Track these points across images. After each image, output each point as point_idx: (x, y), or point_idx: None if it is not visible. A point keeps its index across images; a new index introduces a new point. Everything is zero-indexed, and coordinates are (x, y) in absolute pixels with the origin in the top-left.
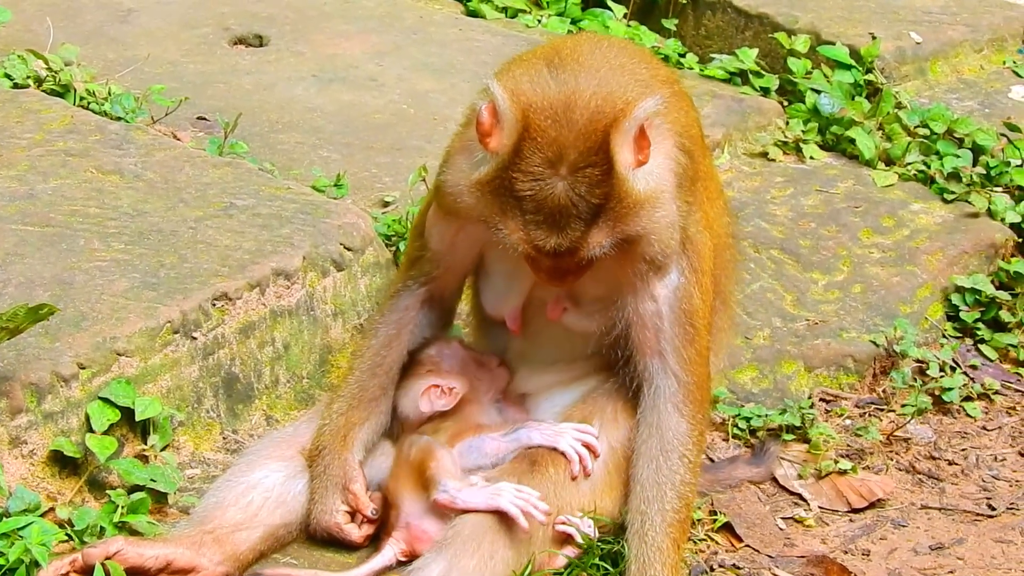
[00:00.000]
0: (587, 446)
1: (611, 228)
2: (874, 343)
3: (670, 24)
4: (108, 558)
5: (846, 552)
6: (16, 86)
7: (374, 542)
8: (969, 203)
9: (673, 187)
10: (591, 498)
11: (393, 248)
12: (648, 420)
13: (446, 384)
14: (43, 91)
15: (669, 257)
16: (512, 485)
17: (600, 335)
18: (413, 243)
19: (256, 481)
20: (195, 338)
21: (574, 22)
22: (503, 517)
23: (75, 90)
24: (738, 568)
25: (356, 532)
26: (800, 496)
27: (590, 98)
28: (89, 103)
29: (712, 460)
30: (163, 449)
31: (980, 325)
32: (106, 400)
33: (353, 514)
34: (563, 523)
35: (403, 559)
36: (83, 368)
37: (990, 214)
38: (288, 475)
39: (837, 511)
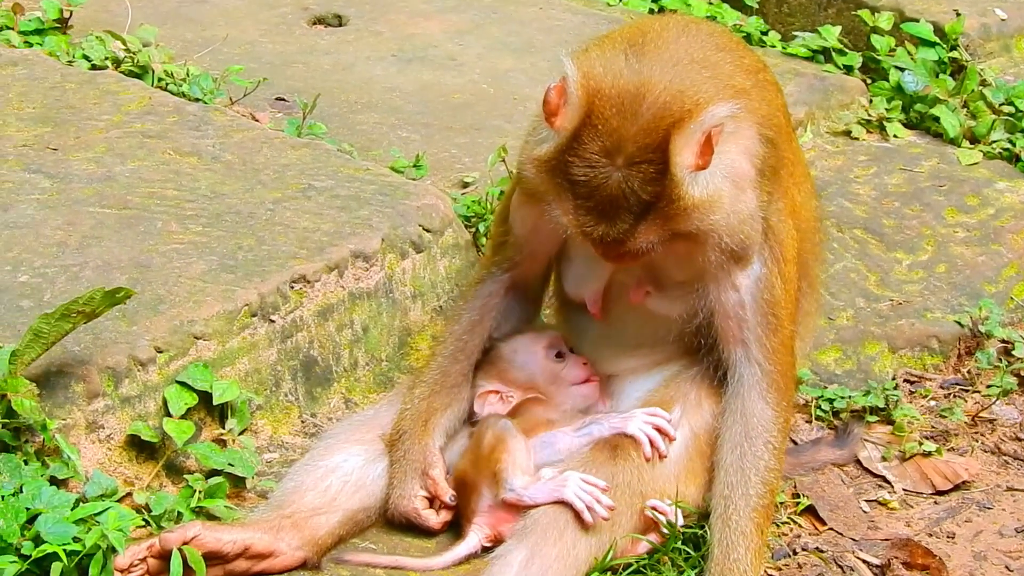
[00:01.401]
0: (658, 429)
1: (660, 226)
2: (959, 323)
3: (752, 2)
4: (185, 543)
5: (931, 535)
6: (94, 67)
7: (452, 528)
8: None
9: (754, 178)
10: (674, 483)
11: (472, 229)
12: (732, 407)
13: (506, 392)
14: (121, 72)
15: (750, 248)
16: (578, 475)
17: (683, 321)
18: (497, 228)
19: (335, 465)
20: (273, 321)
21: (655, 0)
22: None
23: (153, 71)
24: (821, 551)
25: (434, 518)
26: (884, 478)
27: (660, 92)
28: (167, 84)
29: (795, 443)
30: (241, 433)
31: None
32: (183, 384)
33: (432, 500)
34: (652, 508)
35: (488, 544)
36: (160, 352)
37: None
38: (367, 459)
39: (922, 493)
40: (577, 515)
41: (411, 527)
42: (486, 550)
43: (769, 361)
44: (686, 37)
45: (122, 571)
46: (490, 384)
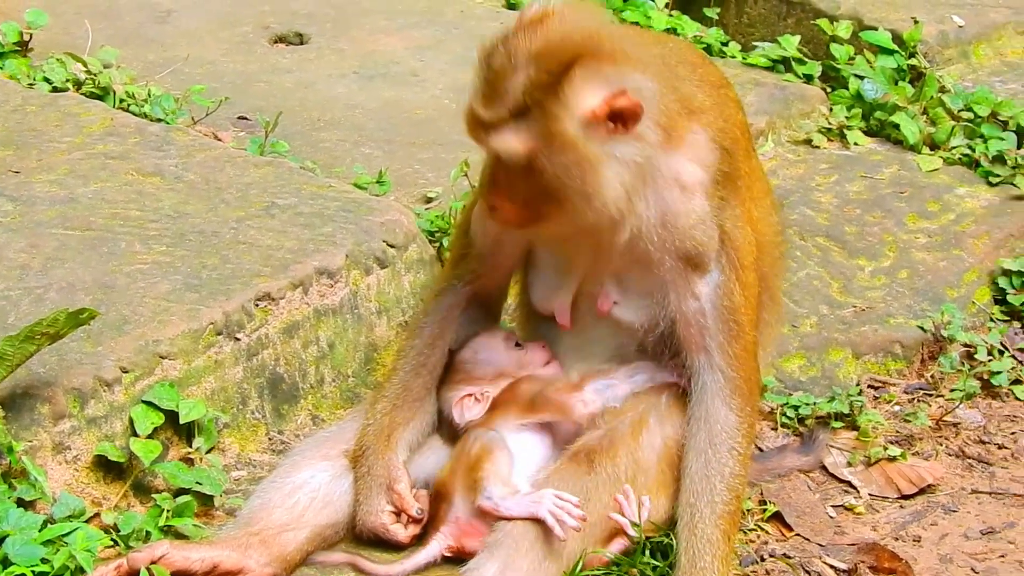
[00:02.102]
0: (567, 511)
1: (528, 142)
2: (921, 328)
3: (712, 13)
4: (154, 562)
5: (897, 539)
6: (55, 90)
7: (421, 541)
8: (1015, 186)
9: (706, 184)
10: (646, 494)
11: (437, 244)
12: (697, 414)
13: (479, 391)
14: (82, 94)
15: (705, 254)
16: (553, 493)
17: (647, 331)
18: (458, 241)
19: (302, 481)
20: (239, 339)
21: (615, 12)
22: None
23: (114, 92)
24: (788, 557)
25: (402, 532)
26: (850, 484)
27: (603, 40)
28: (129, 105)
29: (761, 450)
30: (208, 451)
31: None
32: (149, 403)
33: (399, 514)
34: (619, 508)
35: (448, 554)
36: (126, 372)
37: None
38: (334, 475)
39: (887, 498)
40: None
41: (380, 542)
42: (446, 560)
43: (732, 367)
44: (659, 47)
45: None
46: (462, 389)
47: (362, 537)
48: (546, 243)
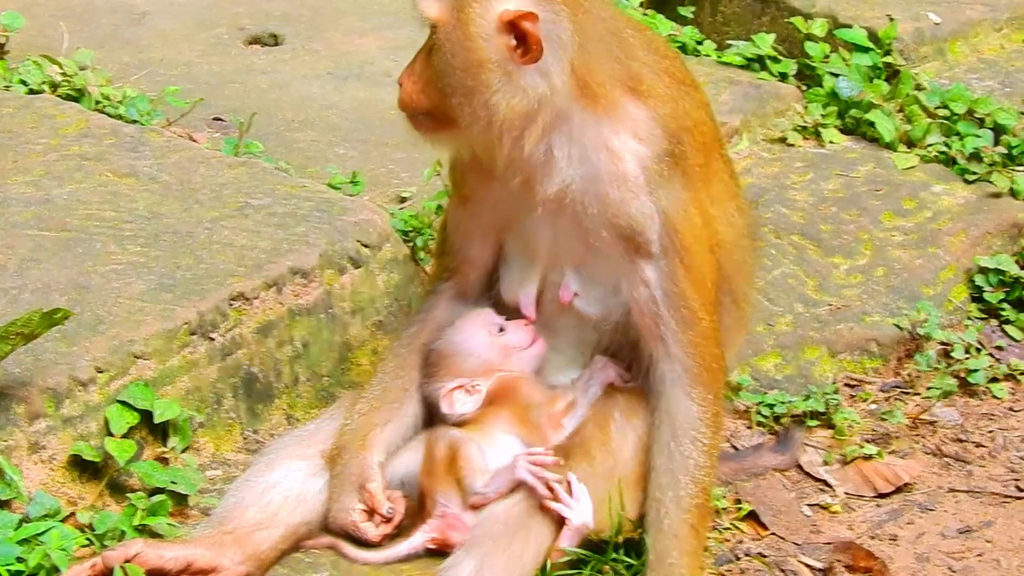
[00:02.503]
0: (540, 464)
1: (441, 12)
2: (898, 326)
3: (686, 12)
4: (128, 561)
5: (873, 537)
6: (31, 92)
7: (401, 535)
8: (991, 183)
9: (643, 158)
10: (617, 491)
11: (411, 244)
12: (659, 407)
13: (469, 383)
14: (58, 96)
15: (643, 234)
16: (523, 454)
17: (608, 322)
18: (438, 240)
19: (276, 480)
20: (213, 339)
21: None
22: (529, 509)
23: (90, 94)
24: (764, 556)
25: (372, 531)
26: (825, 482)
27: None
28: (104, 107)
29: (736, 448)
30: (183, 451)
31: (1005, 306)
32: (124, 403)
33: (371, 513)
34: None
35: (431, 547)
36: (101, 372)
37: (1012, 194)
38: (308, 473)
39: (863, 496)
40: (526, 522)
41: (352, 540)
42: (429, 552)
43: (688, 356)
44: (617, 23)
45: None
46: (449, 382)
47: (332, 535)
48: (514, 234)
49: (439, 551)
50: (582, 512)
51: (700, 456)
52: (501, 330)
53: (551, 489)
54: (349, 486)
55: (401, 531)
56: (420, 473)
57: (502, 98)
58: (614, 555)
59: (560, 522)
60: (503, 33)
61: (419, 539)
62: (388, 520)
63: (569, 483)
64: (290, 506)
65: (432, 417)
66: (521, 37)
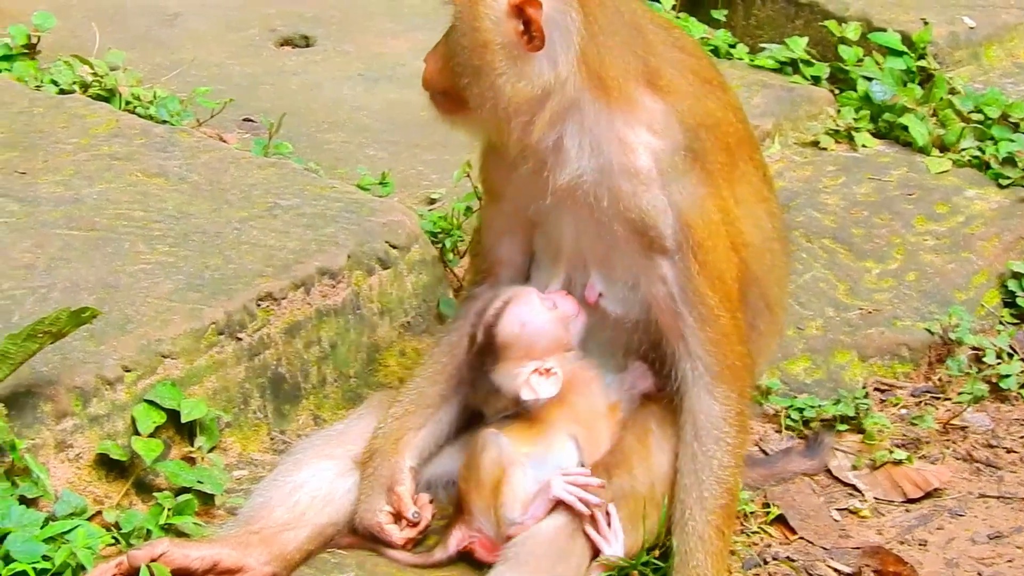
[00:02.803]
0: (581, 485)
1: (448, 58)
2: (929, 331)
3: (719, 15)
4: (154, 560)
5: (902, 543)
6: (62, 92)
7: (419, 544)
8: None
9: (657, 151)
10: (655, 506)
11: (439, 245)
12: (683, 408)
13: (542, 365)
14: (88, 96)
15: (656, 227)
16: (559, 475)
17: (632, 321)
18: (473, 244)
19: (303, 480)
20: (240, 339)
21: None
22: (573, 532)
23: (120, 94)
24: (792, 560)
25: (397, 534)
26: (855, 487)
27: None
28: (135, 107)
29: (765, 453)
30: (210, 451)
31: None
32: (151, 403)
33: (397, 517)
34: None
35: (460, 549)
36: (128, 371)
37: None
38: (336, 473)
39: (893, 502)
40: (562, 540)
41: (377, 542)
42: (460, 556)
43: (709, 353)
44: (643, 19)
45: None
46: (524, 366)
47: (359, 535)
48: (541, 231)
49: (470, 556)
50: (617, 546)
51: (724, 456)
52: (554, 305)
53: (592, 516)
54: (378, 488)
55: (429, 534)
56: (460, 479)
57: (506, 81)
58: (644, 557)
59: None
60: (512, 17)
61: (453, 544)
62: (414, 525)
63: (609, 514)
64: (318, 506)
65: (472, 419)
66: (527, 23)
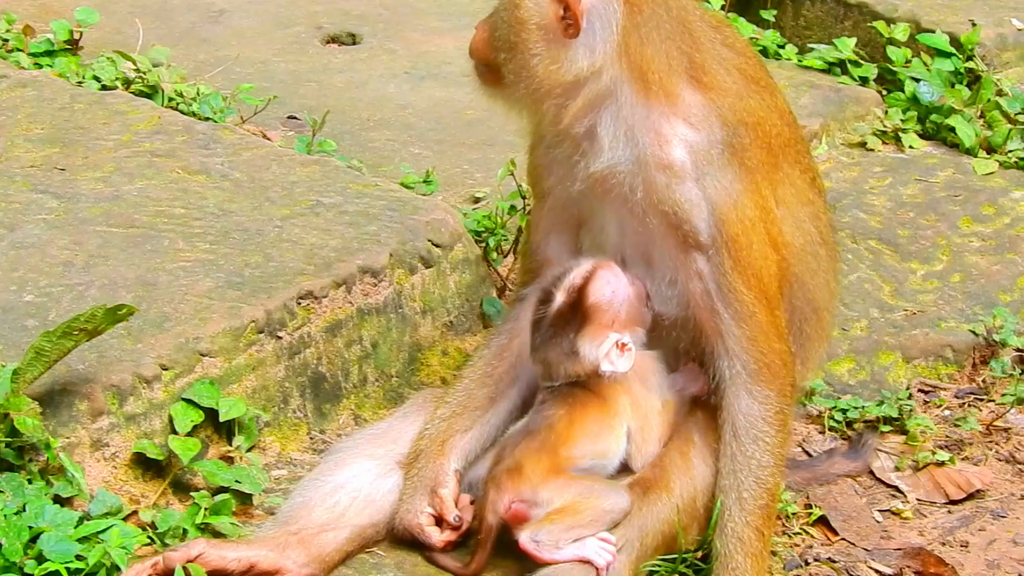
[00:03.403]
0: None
1: (492, 30)
2: (973, 332)
3: (768, 15)
4: (190, 561)
5: (944, 544)
6: (104, 88)
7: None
8: None
9: (696, 146)
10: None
11: (483, 244)
12: (723, 406)
13: (620, 339)
14: (131, 92)
15: (690, 222)
16: (596, 542)
17: (672, 318)
18: (524, 246)
19: (344, 481)
20: (280, 337)
21: None
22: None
23: (163, 91)
24: (834, 562)
25: (437, 535)
26: (897, 488)
27: None
28: (177, 104)
29: (809, 454)
30: (249, 450)
31: None
32: (189, 401)
33: (439, 519)
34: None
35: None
36: (165, 369)
37: None
38: (378, 474)
39: (935, 503)
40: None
41: (416, 543)
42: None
43: (746, 352)
44: (706, 25)
45: None
46: (608, 336)
47: (399, 536)
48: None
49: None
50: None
51: (763, 456)
52: (633, 280)
53: None
54: (421, 489)
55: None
56: (529, 437)
57: (539, 63)
58: (684, 558)
59: None
60: (554, 1)
61: (502, 507)
62: (455, 528)
63: None
64: (358, 507)
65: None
66: (567, 8)
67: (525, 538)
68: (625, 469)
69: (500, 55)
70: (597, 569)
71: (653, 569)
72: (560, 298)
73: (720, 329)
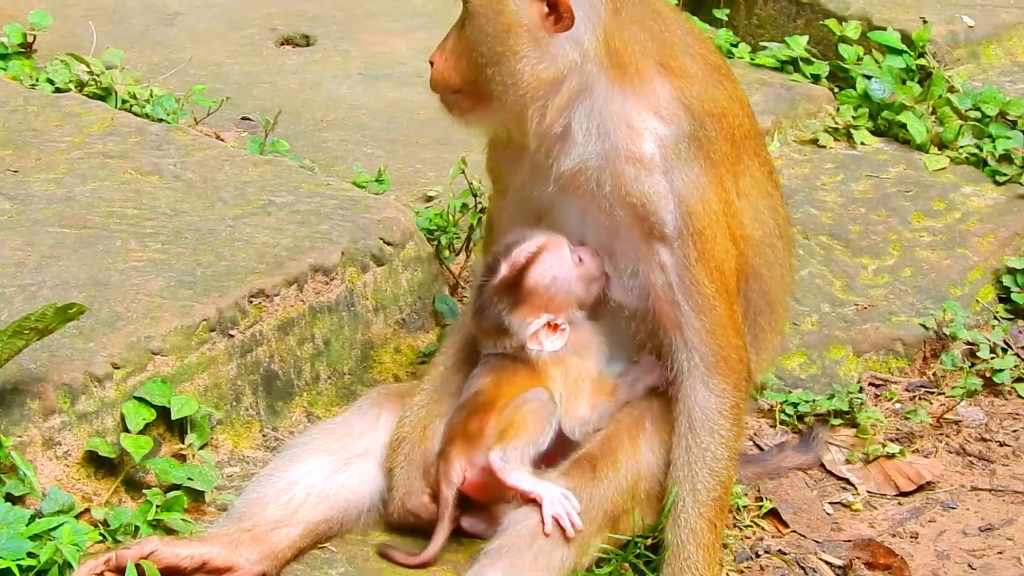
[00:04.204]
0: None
1: (464, 51)
2: (924, 326)
3: (721, 14)
4: (143, 558)
5: (894, 535)
6: (58, 90)
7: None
8: (1021, 184)
9: (662, 137)
10: (640, 499)
11: (435, 242)
12: (678, 398)
13: (553, 319)
14: (84, 95)
15: (656, 214)
16: (561, 491)
17: (632, 309)
18: (483, 233)
19: (298, 477)
20: (232, 336)
21: None
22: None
23: (116, 93)
24: (784, 553)
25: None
26: (847, 481)
27: None
28: (131, 106)
29: (760, 448)
30: (201, 448)
31: None
32: (141, 399)
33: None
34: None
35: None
36: (117, 368)
37: None
38: (332, 469)
39: (885, 495)
40: (549, 533)
41: (413, 529)
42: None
43: (705, 344)
44: (671, 11)
45: None
46: (539, 317)
47: (397, 523)
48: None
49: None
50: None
51: (717, 448)
52: (580, 260)
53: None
54: (415, 471)
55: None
56: (482, 398)
57: (527, 64)
58: (636, 550)
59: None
60: (536, 1)
61: (456, 475)
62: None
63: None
64: (312, 503)
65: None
66: (552, 5)
67: (495, 456)
68: (563, 443)
69: (485, 72)
70: (543, 519)
71: (603, 557)
72: (503, 271)
73: (680, 321)
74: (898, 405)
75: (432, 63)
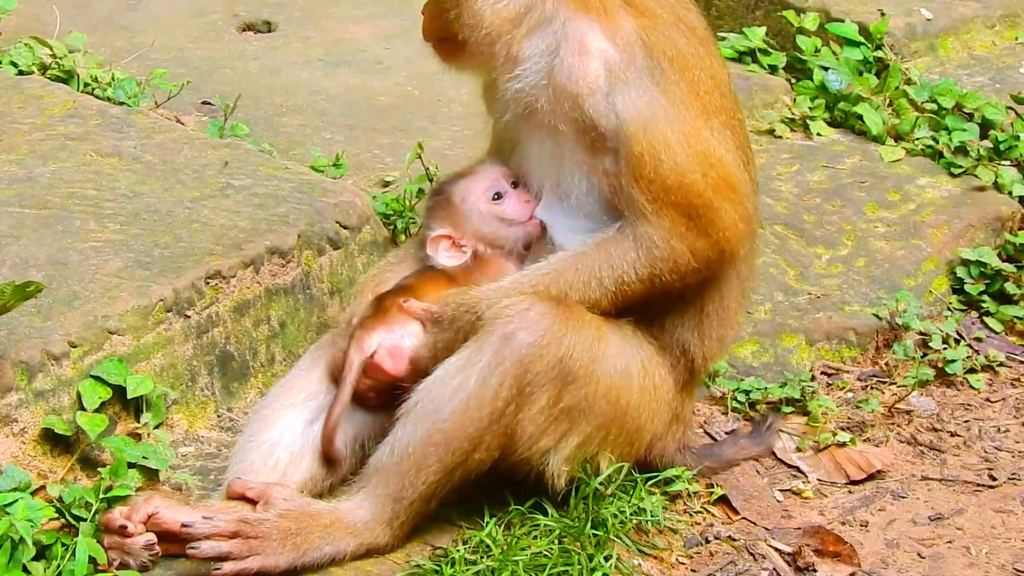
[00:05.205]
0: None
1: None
2: (876, 316)
3: None
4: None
5: (844, 523)
6: (20, 73)
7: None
8: (976, 177)
9: (612, 59)
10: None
11: (391, 226)
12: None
13: (458, 238)
14: (47, 78)
15: (600, 128)
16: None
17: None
18: None
19: (277, 438)
20: (188, 316)
21: None
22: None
23: (78, 76)
24: (733, 540)
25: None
26: (798, 469)
27: None
28: (92, 89)
29: (713, 437)
30: (156, 427)
31: (985, 298)
32: (97, 378)
33: None
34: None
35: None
36: (74, 346)
37: (997, 187)
38: (306, 421)
39: (836, 483)
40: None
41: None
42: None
43: (654, 213)
44: None
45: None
46: (442, 228)
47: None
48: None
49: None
50: None
51: (604, 271)
52: (498, 196)
53: None
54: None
55: None
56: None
57: (484, 4)
58: None
59: None
60: None
61: (373, 344)
62: None
63: None
64: (295, 462)
65: None
66: None
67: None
68: None
69: (449, 15)
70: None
71: None
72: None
73: (632, 201)
74: (850, 394)
75: (423, 13)
